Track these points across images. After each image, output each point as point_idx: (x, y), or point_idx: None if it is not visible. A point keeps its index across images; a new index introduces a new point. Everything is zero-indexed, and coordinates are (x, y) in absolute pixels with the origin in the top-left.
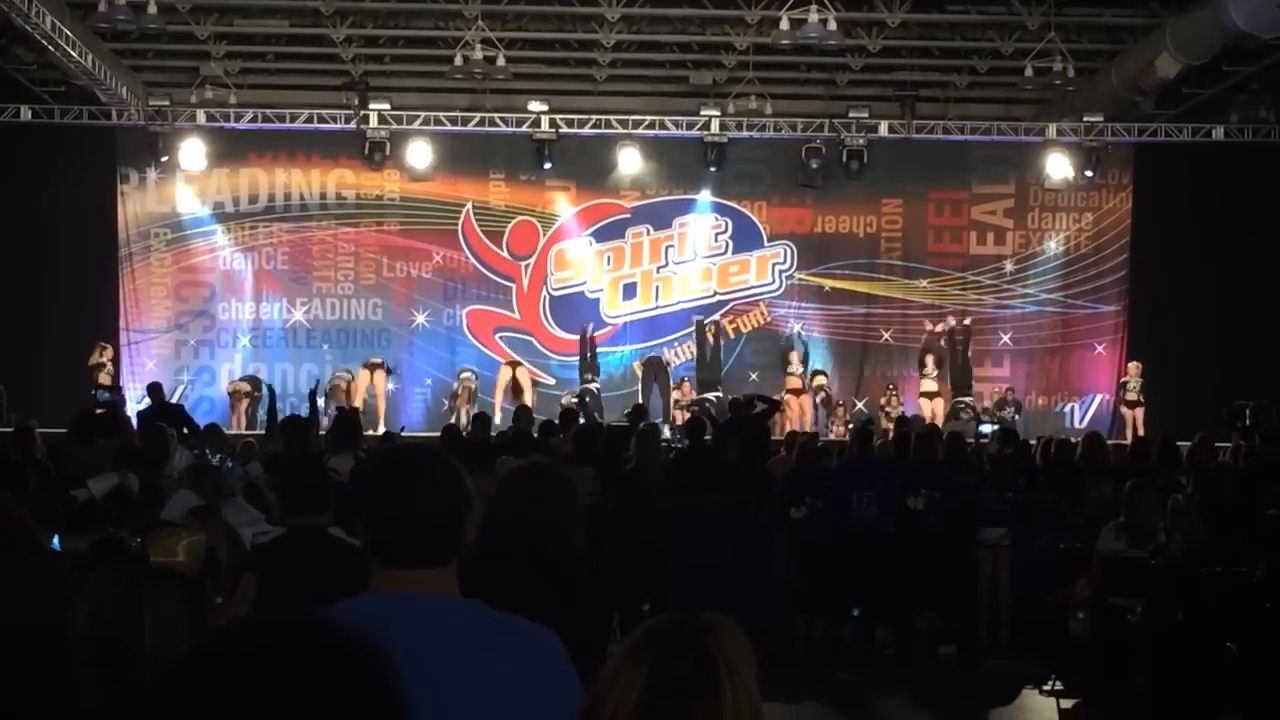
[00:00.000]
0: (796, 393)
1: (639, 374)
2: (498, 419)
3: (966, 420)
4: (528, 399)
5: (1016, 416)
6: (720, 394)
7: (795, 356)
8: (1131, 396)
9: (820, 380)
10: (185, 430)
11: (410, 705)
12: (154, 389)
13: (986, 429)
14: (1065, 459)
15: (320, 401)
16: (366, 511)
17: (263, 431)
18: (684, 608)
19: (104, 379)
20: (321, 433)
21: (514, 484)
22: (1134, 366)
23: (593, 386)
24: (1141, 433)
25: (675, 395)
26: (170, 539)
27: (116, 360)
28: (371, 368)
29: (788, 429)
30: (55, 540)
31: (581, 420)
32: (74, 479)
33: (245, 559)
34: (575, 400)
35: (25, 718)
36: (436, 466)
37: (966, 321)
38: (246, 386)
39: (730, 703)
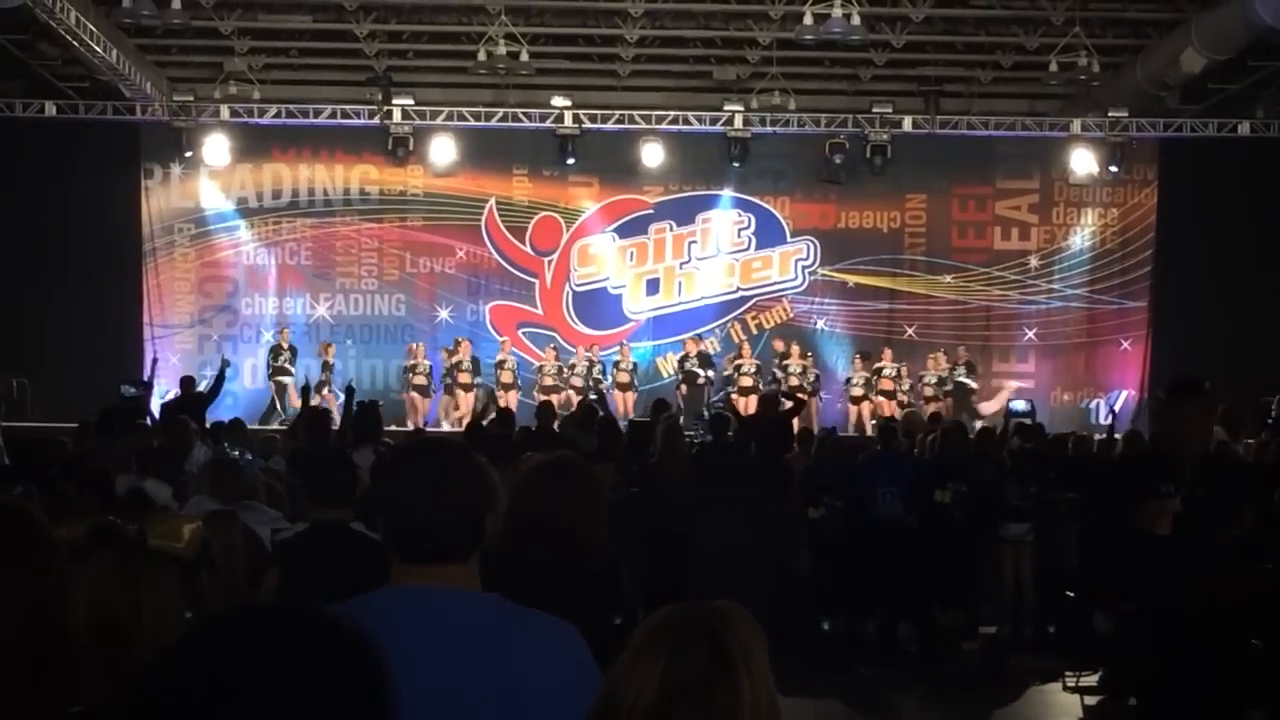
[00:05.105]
0: (856, 400)
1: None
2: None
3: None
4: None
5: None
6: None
7: (859, 360)
8: None
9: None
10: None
11: (431, 699)
12: (186, 382)
13: (1020, 405)
14: (1087, 454)
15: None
16: (385, 506)
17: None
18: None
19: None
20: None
21: (537, 479)
22: None
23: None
24: None
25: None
26: (172, 522)
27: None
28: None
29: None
30: None
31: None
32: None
33: (265, 557)
34: (595, 397)
35: (28, 700)
36: (456, 461)
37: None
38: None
39: (749, 691)
